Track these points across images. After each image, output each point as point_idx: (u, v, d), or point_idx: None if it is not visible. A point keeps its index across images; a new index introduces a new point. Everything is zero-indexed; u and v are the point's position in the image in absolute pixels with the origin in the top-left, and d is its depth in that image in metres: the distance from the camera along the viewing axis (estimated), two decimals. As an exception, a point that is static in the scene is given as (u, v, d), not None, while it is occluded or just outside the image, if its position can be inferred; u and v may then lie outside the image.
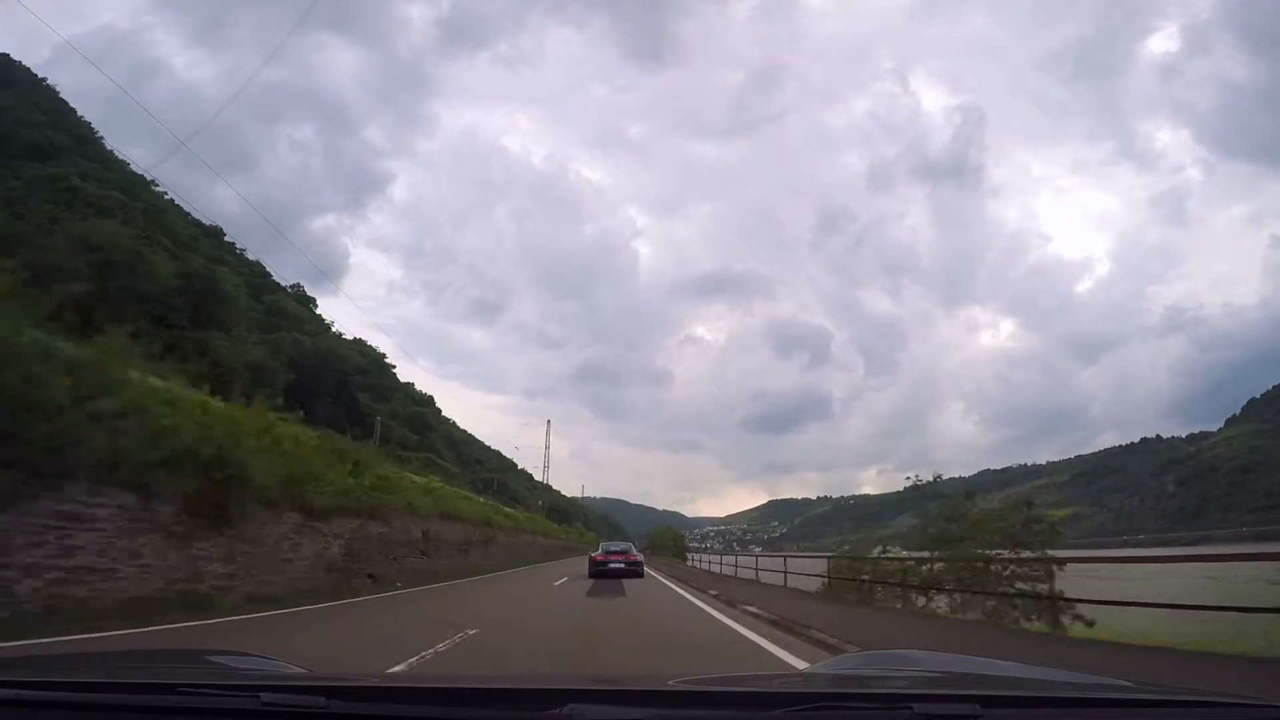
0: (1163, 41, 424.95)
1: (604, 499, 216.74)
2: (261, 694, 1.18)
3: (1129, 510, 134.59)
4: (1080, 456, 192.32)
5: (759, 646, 6.57)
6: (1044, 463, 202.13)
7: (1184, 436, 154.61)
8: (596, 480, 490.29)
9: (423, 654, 5.63)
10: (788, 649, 6.30)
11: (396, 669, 4.97)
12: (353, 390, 52.63)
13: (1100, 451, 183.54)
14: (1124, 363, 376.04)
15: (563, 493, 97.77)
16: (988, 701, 1.15)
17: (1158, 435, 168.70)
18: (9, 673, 1.42)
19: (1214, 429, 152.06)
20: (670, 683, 1.43)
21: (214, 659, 1.82)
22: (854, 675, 1.84)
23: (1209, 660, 4.61)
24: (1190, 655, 4.96)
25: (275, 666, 1.79)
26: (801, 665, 5.14)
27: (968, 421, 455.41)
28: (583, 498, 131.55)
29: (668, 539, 63.55)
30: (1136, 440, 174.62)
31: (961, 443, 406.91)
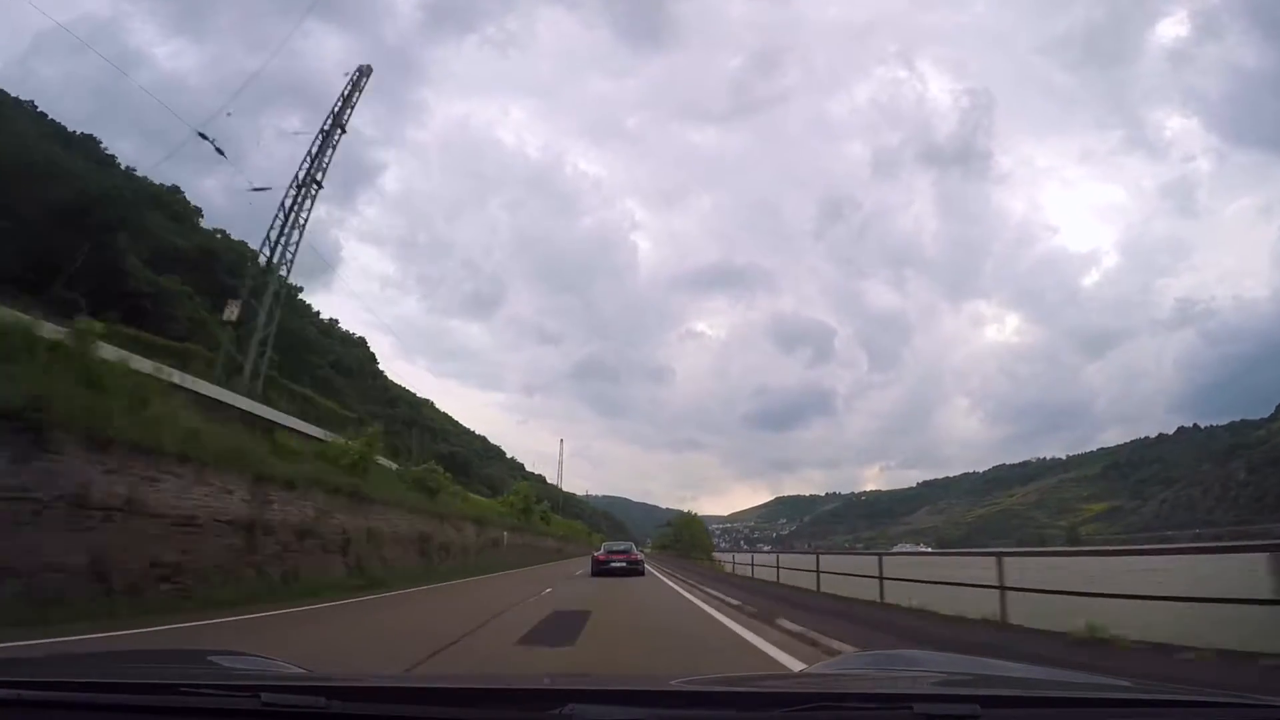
0: (1172, 27, 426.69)
1: (606, 497, 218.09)
2: (262, 694, 1.26)
3: (1186, 501, 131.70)
4: (1104, 449, 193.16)
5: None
6: (1064, 457, 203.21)
7: (1224, 425, 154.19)
8: (598, 479, 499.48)
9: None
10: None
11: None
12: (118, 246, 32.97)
13: (1131, 443, 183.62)
14: (1131, 357, 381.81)
15: (561, 488, 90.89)
16: (988, 701, 1.21)
17: (1195, 424, 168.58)
18: (9, 673, 1.51)
19: (1219, 421, 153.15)
20: (670, 683, 1.51)
21: (214, 659, 1.91)
22: (854, 675, 1.93)
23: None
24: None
25: (275, 666, 1.88)
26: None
27: (972, 418, 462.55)
28: (584, 495, 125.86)
29: (695, 532, 51.14)
30: (1171, 431, 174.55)
31: (965, 439, 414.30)
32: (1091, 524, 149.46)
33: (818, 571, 13.06)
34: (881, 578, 10.09)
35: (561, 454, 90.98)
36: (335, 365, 60.40)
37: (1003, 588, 6.90)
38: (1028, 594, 7.05)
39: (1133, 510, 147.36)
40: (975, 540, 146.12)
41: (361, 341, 74.22)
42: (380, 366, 75.39)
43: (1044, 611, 6.76)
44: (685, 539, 49.02)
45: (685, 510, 55.77)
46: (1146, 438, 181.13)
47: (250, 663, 1.90)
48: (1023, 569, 8.45)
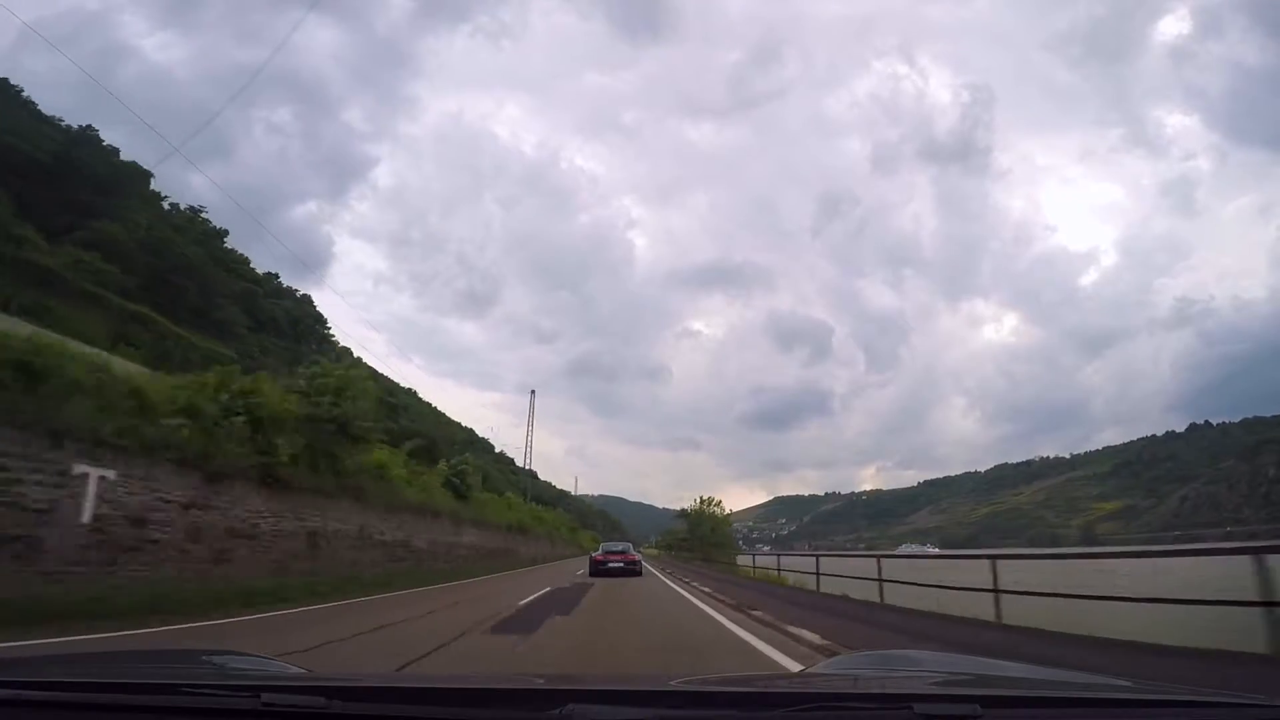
0: (1174, 23, 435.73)
1: (602, 496, 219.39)
2: (263, 694, 1.29)
3: (1210, 498, 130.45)
4: (1110, 448, 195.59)
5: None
6: (1068, 455, 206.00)
7: (1238, 422, 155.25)
8: (594, 478, 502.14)
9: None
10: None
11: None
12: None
13: (1139, 440, 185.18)
14: (1129, 356, 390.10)
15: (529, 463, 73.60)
16: (988, 701, 1.25)
17: (1206, 421, 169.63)
18: (9, 673, 1.55)
19: (1231, 418, 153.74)
20: (670, 683, 1.56)
21: (214, 659, 1.96)
22: (854, 675, 1.97)
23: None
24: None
25: (275, 667, 1.93)
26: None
27: (969, 418, 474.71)
28: (580, 494, 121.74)
29: (716, 525, 40.12)
30: (1182, 428, 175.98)
31: (961, 439, 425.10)
32: (1106, 523, 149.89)
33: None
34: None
35: (531, 409, 61.22)
36: (260, 317, 52.53)
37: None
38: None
39: (1148, 509, 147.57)
40: (982, 540, 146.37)
41: (306, 300, 64.09)
42: (329, 330, 65.59)
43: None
44: (704, 536, 38.80)
45: (692, 506, 42.95)
46: (1154, 435, 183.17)
47: (250, 663, 1.95)
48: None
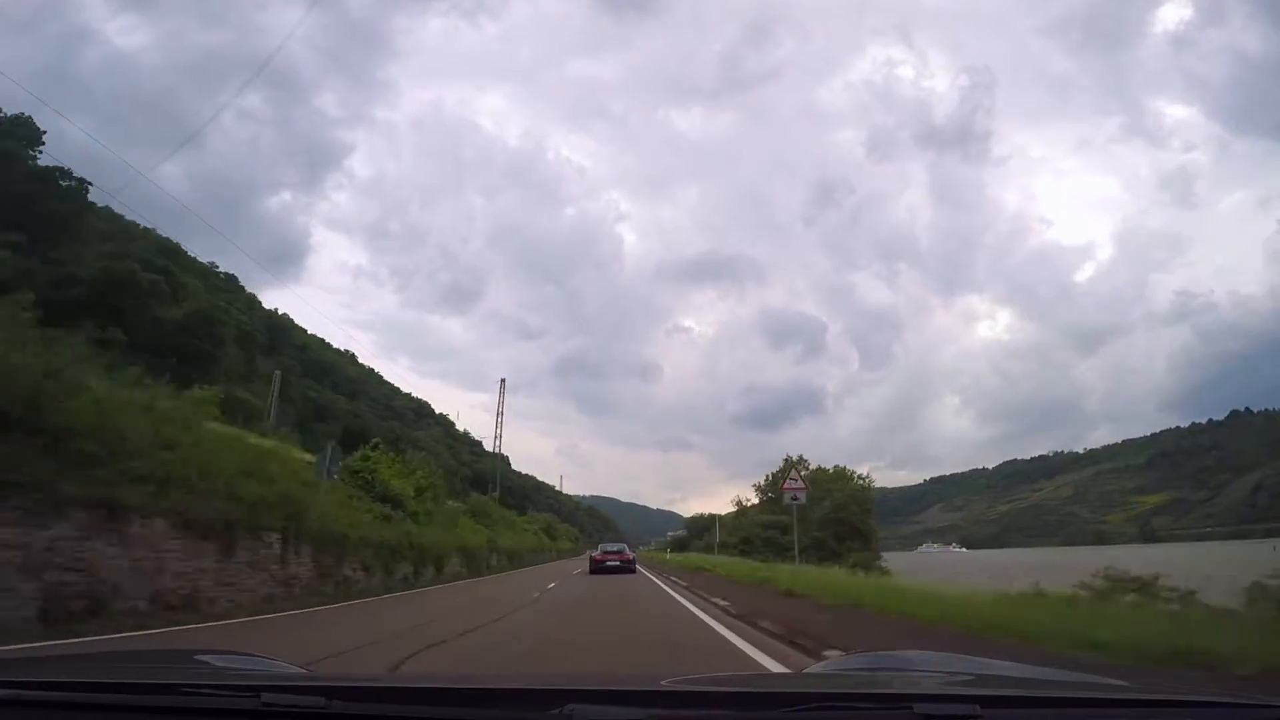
0: (1175, 9, 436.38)
1: (594, 497, 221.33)
2: (263, 694, 1.38)
3: None
4: (1129, 440, 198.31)
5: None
6: (1082, 451, 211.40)
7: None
8: (586, 479, 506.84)
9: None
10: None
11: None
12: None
13: (1170, 430, 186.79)
14: (1125, 354, 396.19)
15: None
16: (988, 701, 1.33)
17: (1247, 408, 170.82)
18: (9, 673, 1.64)
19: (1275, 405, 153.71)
20: (670, 683, 1.64)
21: (213, 659, 2.06)
22: (854, 675, 2.08)
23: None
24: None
25: (275, 667, 2.04)
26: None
27: (963, 416, 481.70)
28: (572, 495, 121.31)
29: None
30: (1223, 416, 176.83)
31: (955, 438, 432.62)
32: (1155, 518, 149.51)
33: None
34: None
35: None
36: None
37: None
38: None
39: (1200, 501, 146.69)
40: (1008, 539, 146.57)
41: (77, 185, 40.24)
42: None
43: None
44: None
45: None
46: (1180, 427, 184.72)
47: (250, 662, 2.05)
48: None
